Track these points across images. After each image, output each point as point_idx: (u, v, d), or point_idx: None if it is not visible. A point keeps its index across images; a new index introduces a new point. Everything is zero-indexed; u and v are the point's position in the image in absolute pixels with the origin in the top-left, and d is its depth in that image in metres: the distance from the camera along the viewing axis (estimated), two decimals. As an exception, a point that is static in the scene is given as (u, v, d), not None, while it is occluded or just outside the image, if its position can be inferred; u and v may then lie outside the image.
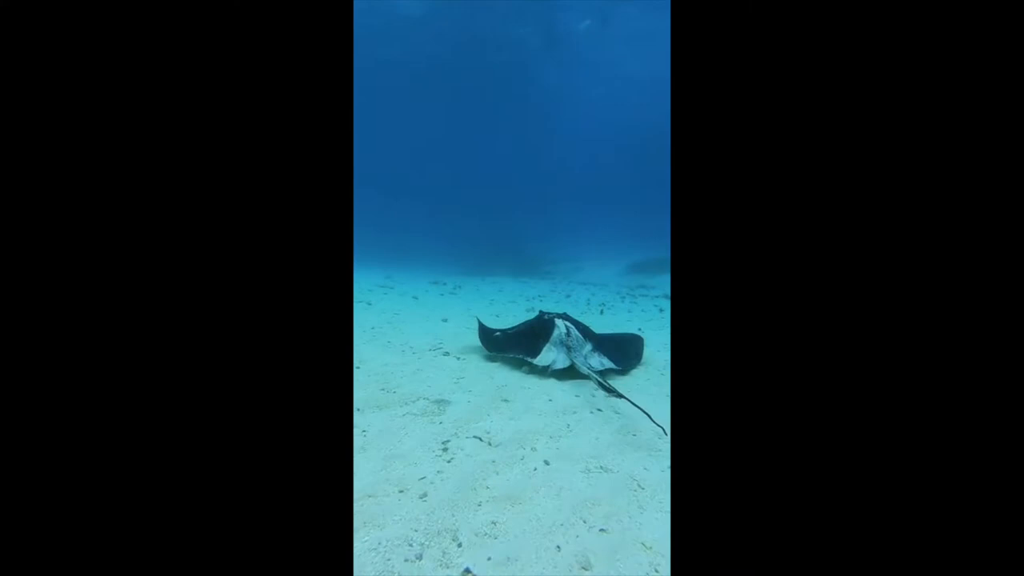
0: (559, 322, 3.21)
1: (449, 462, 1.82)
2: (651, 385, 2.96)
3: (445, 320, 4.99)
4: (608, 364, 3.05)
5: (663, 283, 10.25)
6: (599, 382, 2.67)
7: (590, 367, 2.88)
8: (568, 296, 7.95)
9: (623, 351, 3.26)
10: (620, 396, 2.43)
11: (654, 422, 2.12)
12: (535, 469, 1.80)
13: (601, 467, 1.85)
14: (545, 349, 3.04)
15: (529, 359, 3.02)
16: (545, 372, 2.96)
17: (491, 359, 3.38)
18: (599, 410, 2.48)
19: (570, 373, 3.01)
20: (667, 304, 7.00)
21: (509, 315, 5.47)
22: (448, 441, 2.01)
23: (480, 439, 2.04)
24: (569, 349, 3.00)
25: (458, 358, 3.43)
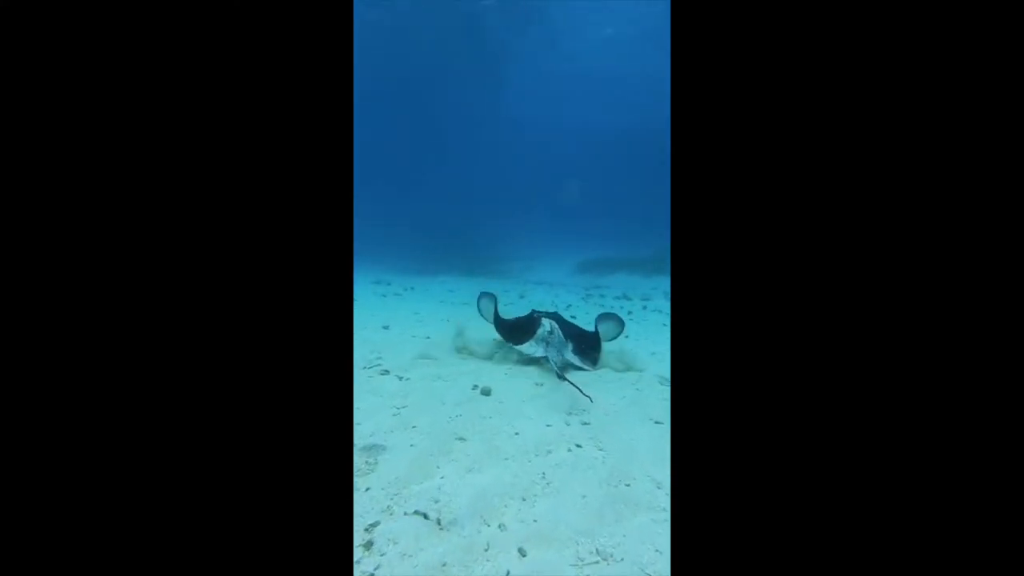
0: (545, 321, 3.35)
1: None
2: (628, 405, 2.48)
3: (386, 327, 4.28)
4: (586, 366, 3.26)
5: (616, 282, 10.13)
6: (556, 372, 2.81)
7: (562, 357, 3.13)
8: (522, 297, 7.44)
9: (596, 350, 3.48)
10: (564, 379, 2.63)
11: (584, 394, 2.33)
12: (508, 573, 1.21)
13: (598, 552, 1.31)
14: (527, 344, 3.27)
15: (515, 346, 3.35)
16: (526, 359, 3.24)
17: (442, 376, 2.78)
18: (578, 446, 1.97)
19: (546, 375, 2.83)
20: (630, 305, 6.68)
21: (460, 317, 4.87)
22: (376, 525, 1.36)
23: (425, 516, 1.41)
24: (547, 344, 3.18)
25: (400, 377, 2.79)
